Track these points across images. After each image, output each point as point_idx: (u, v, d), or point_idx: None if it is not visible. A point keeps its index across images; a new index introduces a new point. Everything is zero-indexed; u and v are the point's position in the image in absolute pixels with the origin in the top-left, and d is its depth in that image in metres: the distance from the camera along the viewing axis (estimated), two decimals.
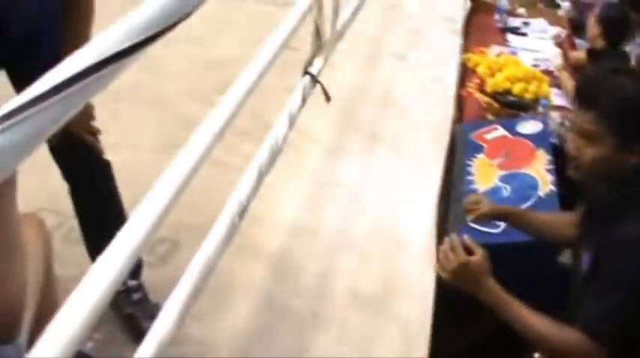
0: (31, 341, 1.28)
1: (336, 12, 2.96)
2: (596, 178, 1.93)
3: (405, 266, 2.89)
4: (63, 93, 0.81)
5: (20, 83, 2.05)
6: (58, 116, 0.82)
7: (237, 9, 4.95)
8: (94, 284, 1.15)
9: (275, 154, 2.23)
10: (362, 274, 2.84)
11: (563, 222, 2.29)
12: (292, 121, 2.39)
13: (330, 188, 3.35)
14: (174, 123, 3.63)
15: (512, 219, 2.41)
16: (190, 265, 1.77)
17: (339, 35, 3.10)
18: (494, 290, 1.89)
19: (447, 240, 1.98)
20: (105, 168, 2.38)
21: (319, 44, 2.76)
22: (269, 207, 3.03)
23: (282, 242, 2.96)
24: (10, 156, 0.74)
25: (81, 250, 2.55)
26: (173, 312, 1.59)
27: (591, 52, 4.85)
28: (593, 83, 1.95)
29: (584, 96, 1.90)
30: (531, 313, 1.85)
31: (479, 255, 1.91)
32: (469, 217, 2.40)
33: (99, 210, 2.42)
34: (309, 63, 2.55)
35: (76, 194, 2.41)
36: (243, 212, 1.99)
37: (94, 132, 2.28)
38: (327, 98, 2.50)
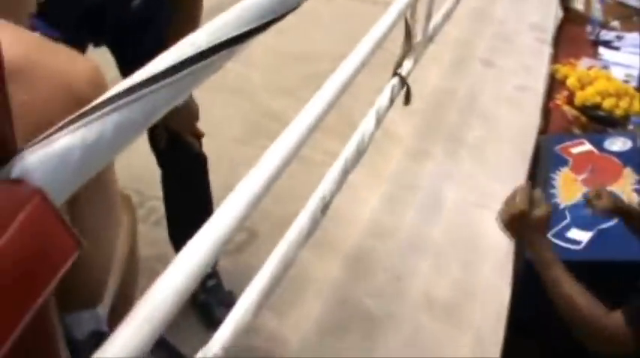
0: (111, 317, 1.30)
1: (429, 15, 2.95)
2: None
3: (481, 273, 2.86)
4: (175, 76, 0.82)
5: (127, 65, 2.10)
6: (170, 98, 0.83)
7: (326, 3, 4.95)
8: (182, 269, 1.16)
9: (361, 152, 2.22)
10: (437, 278, 2.82)
11: None
12: (379, 120, 2.38)
13: (410, 190, 3.33)
14: (259, 114, 3.66)
15: (628, 217, 2.25)
16: (271, 256, 1.77)
17: (430, 38, 3.08)
18: (545, 250, 1.83)
19: (517, 187, 1.92)
20: (201, 163, 2.42)
21: (410, 46, 2.75)
22: (349, 204, 3.03)
23: (360, 240, 2.95)
24: (125, 133, 0.75)
25: (159, 232, 2.59)
26: (250, 302, 1.59)
27: None
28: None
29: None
30: (578, 287, 1.76)
31: (542, 210, 1.86)
32: (589, 210, 2.29)
33: (189, 199, 2.46)
34: (399, 64, 2.54)
35: (168, 181, 2.46)
36: (325, 207, 1.99)
37: (198, 135, 2.33)
38: (407, 101, 2.49)
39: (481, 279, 2.83)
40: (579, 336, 1.79)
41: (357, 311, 2.62)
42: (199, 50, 0.87)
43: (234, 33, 0.94)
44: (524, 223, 1.85)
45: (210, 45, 0.89)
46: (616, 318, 1.68)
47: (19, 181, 0.61)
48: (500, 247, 2.99)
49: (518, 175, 3.50)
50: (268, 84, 3.95)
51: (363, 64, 2.14)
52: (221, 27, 0.93)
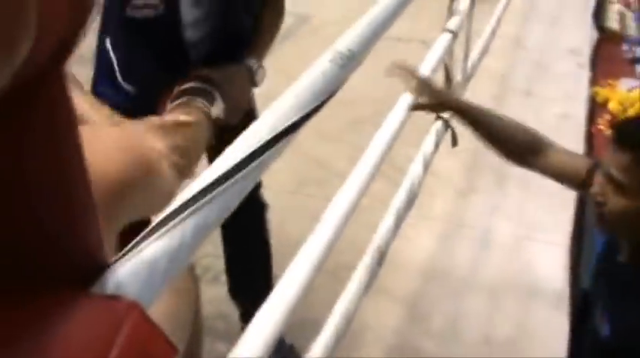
0: None
1: (466, 55, 2.99)
2: (622, 233, 1.67)
3: (537, 310, 2.86)
4: (244, 171, 0.86)
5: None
6: (240, 192, 0.87)
7: None
8: (256, 338, 1.20)
9: (412, 198, 2.26)
10: (493, 317, 2.82)
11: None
12: (427, 165, 2.42)
13: (461, 229, 3.34)
14: (306, 162, 3.70)
15: (459, 113, 2.08)
16: (333, 310, 1.81)
17: (468, 77, 3.12)
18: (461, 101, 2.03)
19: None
20: (263, 211, 2.47)
21: (450, 86, 2.79)
22: (401, 248, 3.06)
23: (414, 283, 2.97)
24: (203, 233, 0.79)
25: (216, 289, 2.63)
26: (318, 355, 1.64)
27: None
28: (637, 122, 1.70)
29: (622, 135, 1.60)
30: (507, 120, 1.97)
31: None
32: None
33: (251, 250, 2.51)
34: None
35: (230, 233, 2.49)
36: (382, 258, 2.02)
37: (259, 183, 2.38)
38: (455, 143, 2.51)
39: (538, 315, 2.82)
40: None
41: (418, 354, 2.63)
42: (263, 141, 0.91)
43: (292, 119, 0.99)
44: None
45: (272, 135, 0.93)
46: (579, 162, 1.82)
47: (115, 296, 0.65)
48: (554, 281, 2.99)
49: (566, 204, 3.49)
50: (312, 131, 4.00)
51: (409, 114, 2.18)
52: (280, 116, 0.97)
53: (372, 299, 2.71)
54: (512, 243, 3.25)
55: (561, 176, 1.87)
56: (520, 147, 1.95)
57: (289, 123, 0.98)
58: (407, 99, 2.15)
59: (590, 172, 1.72)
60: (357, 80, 4.52)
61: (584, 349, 1.91)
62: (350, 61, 1.21)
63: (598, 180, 1.61)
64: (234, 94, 1.79)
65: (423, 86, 2.03)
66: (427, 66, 2.42)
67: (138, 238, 0.72)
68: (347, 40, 1.27)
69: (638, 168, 1.53)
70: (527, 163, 1.95)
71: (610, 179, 1.57)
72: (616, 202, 1.55)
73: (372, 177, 1.83)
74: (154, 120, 1.27)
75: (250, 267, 2.48)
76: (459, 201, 3.55)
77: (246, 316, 2.51)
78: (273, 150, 0.93)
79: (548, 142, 1.91)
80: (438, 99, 2.05)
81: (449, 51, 2.73)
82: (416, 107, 2.09)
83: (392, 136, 1.99)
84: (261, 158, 0.90)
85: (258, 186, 2.40)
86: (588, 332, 1.81)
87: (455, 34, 2.76)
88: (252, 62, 1.97)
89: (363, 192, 1.76)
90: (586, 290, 1.94)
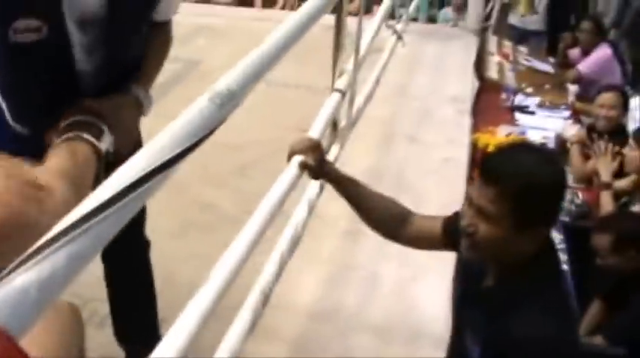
0: None
1: (352, 101, 3.07)
2: (491, 259, 1.82)
3: (423, 349, 2.91)
4: (120, 203, 0.88)
5: None
6: (116, 224, 0.88)
7: (252, 91, 5.05)
8: None
9: (295, 241, 2.30)
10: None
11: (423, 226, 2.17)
12: (311, 208, 2.47)
13: (347, 270, 3.39)
14: (192, 206, 3.69)
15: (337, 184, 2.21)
16: (216, 353, 1.81)
17: (353, 122, 3.20)
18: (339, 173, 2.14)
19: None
20: (145, 248, 2.45)
21: (336, 135, 2.86)
22: (288, 290, 3.08)
23: (302, 325, 2.98)
24: (77, 264, 0.80)
25: (103, 334, 2.59)
26: None
27: (590, 129, 4.97)
28: (499, 158, 1.76)
29: (488, 170, 1.73)
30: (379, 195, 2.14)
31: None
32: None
33: (136, 290, 2.48)
34: (326, 151, 2.63)
35: (115, 275, 2.46)
36: (266, 300, 2.04)
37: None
38: None
39: (423, 354, 2.88)
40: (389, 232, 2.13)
41: None
42: (139, 176, 0.93)
43: (169, 155, 1.01)
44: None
45: (149, 170, 0.95)
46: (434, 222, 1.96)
47: None
48: (439, 319, 3.06)
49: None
50: (199, 175, 4.00)
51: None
52: (156, 151, 0.99)
53: (260, 342, 2.72)
54: (397, 284, 3.30)
55: (423, 239, 2.04)
56: (392, 218, 2.14)
57: (166, 158, 1.00)
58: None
59: (447, 225, 2.04)
60: (244, 125, 4.57)
61: None
62: (229, 101, 1.25)
63: (468, 213, 1.75)
64: (123, 125, 1.78)
65: (311, 148, 2.16)
66: (318, 126, 2.48)
67: (9, 267, 0.73)
68: (226, 79, 1.31)
69: (502, 199, 1.66)
70: (395, 234, 2.16)
71: (479, 210, 1.70)
72: (485, 230, 1.70)
73: (269, 224, 1.86)
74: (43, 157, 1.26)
75: (135, 308, 2.45)
76: (346, 243, 3.60)
77: None
78: (149, 184, 0.95)
79: (410, 212, 2.16)
80: (320, 168, 2.17)
81: (338, 108, 2.80)
82: (303, 166, 2.17)
83: (289, 184, 2.02)
84: (137, 191, 0.92)
85: (141, 224, 2.38)
86: (461, 356, 1.90)
87: (344, 94, 2.84)
88: (139, 91, 1.96)
89: (258, 240, 1.79)
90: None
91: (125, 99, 1.91)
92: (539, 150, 1.96)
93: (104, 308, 2.61)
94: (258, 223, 1.83)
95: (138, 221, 2.33)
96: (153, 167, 0.96)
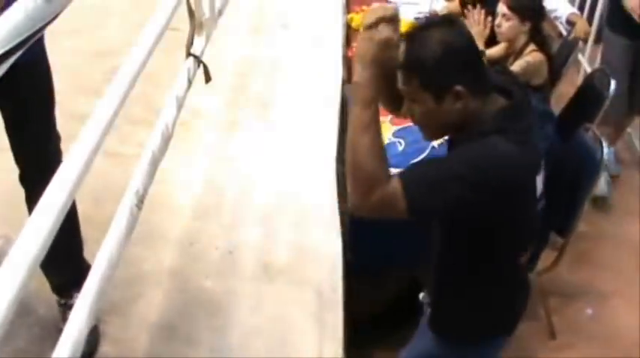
0: None
1: None
2: (440, 133, 1.91)
3: (311, 232, 2.94)
4: None
5: None
6: None
7: None
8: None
9: (167, 139, 2.21)
10: (270, 245, 2.87)
11: None
12: (180, 105, 2.38)
13: (228, 163, 3.36)
14: (64, 118, 3.56)
15: None
16: (96, 258, 1.76)
17: (219, 12, 3.09)
18: (369, 87, 1.72)
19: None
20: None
21: (195, 24, 2.74)
22: (170, 190, 3.04)
23: (187, 223, 2.96)
24: None
25: None
26: (84, 310, 1.59)
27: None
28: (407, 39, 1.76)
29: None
30: (377, 143, 1.69)
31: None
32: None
33: None
34: (190, 44, 2.53)
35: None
36: (140, 201, 1.98)
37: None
38: (207, 79, 2.49)
39: (312, 238, 2.90)
40: (353, 189, 1.73)
41: (199, 293, 2.63)
42: None
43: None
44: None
45: None
46: (395, 184, 1.67)
47: None
48: (325, 203, 3.09)
49: (330, 126, 3.61)
50: (70, 86, 3.84)
51: (152, 50, 2.12)
52: None
53: (147, 246, 2.70)
54: (281, 172, 3.31)
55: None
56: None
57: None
58: (147, 38, 2.08)
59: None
60: (110, 31, 4.37)
61: None
62: None
63: (405, 104, 1.83)
64: None
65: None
66: (168, 3, 2.37)
67: None
68: None
69: (410, 78, 1.75)
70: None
71: (407, 98, 1.80)
72: (418, 111, 1.78)
73: (112, 120, 1.76)
74: None
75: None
76: (224, 137, 3.57)
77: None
78: None
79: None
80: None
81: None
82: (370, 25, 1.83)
83: (131, 76, 1.92)
84: None
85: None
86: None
87: None
88: None
89: (104, 135, 1.69)
90: None
91: None
92: (451, 23, 1.88)
93: None
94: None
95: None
96: None
